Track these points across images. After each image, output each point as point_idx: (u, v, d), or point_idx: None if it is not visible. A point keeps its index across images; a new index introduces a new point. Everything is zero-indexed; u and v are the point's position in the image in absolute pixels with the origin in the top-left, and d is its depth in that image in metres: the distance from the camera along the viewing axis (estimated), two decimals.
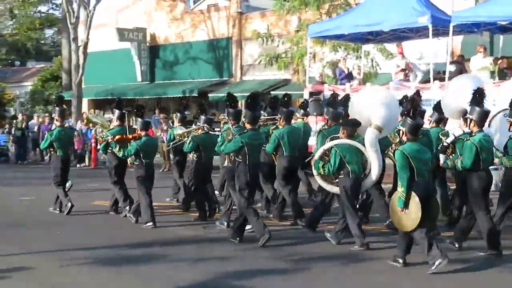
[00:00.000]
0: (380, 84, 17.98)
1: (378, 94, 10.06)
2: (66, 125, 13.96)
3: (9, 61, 66.97)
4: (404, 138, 8.44)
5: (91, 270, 8.58)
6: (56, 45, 61.91)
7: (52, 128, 14.10)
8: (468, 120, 9.10)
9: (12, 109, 45.84)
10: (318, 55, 23.35)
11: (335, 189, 9.73)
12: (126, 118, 12.46)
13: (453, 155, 9.54)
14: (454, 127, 10.25)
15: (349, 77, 19.59)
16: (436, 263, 7.97)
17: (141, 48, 33.16)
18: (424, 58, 20.98)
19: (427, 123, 11.39)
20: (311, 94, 17.99)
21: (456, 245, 9.37)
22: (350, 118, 9.82)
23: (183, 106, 14.75)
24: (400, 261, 8.40)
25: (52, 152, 13.33)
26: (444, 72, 17.47)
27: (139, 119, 11.83)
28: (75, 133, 18.77)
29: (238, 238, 9.97)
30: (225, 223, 11.10)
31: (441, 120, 11.36)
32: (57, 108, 13.57)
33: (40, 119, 27.06)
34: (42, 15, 44.90)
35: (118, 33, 31.96)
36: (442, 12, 17.16)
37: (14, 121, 26.81)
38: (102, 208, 13.20)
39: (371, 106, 9.41)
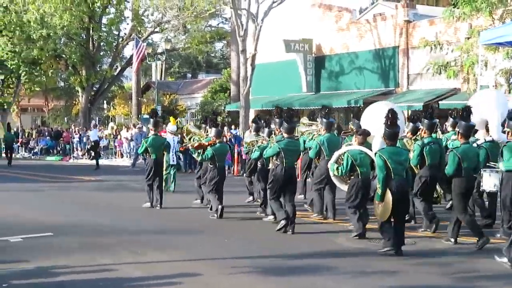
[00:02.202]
0: None
1: (385, 108, 10.91)
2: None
3: (182, 74, 70.35)
4: (384, 144, 10.05)
5: (258, 279, 8.70)
6: (225, 58, 64.22)
7: (148, 136, 16.28)
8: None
9: (184, 120, 48.06)
10: (490, 62, 22.29)
11: (345, 187, 11.43)
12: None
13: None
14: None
15: None
16: (385, 249, 9.77)
17: (307, 59, 33.47)
18: None
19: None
20: None
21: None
22: (362, 128, 11.59)
23: (258, 117, 15.92)
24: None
25: (147, 156, 15.46)
26: None
27: (213, 128, 13.90)
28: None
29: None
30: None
31: None
32: (151, 120, 15.95)
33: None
34: (213, 29, 46.66)
35: (285, 44, 32.47)
36: None
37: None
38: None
39: (380, 119, 10.23)
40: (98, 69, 45.20)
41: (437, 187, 12.23)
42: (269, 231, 12.10)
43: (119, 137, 36.37)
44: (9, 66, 43.52)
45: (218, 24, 48.24)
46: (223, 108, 41.34)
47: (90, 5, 40.36)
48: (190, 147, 14.97)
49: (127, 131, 35.11)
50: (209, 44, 51.67)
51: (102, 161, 32.08)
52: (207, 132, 15.02)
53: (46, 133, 42.83)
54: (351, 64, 32.56)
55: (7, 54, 41.53)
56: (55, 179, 23.98)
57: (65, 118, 56.18)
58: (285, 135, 12.03)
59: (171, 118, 23.41)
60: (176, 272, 8.83)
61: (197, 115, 47.23)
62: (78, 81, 43.23)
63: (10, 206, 16.10)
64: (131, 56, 40.44)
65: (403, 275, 8.80)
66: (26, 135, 45.58)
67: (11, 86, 51.66)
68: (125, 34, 44.69)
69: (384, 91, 30.74)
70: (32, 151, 41.61)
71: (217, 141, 13.74)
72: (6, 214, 14.41)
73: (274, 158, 12.08)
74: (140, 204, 15.60)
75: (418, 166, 11.51)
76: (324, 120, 13.30)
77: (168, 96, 48.96)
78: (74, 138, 38.22)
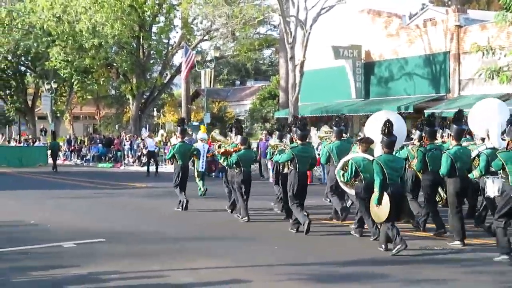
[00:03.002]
0: None
1: (387, 117, 11.50)
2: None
3: (230, 81, 70.73)
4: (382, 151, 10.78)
5: (308, 286, 8.68)
6: (274, 65, 64.28)
7: (175, 143, 17.68)
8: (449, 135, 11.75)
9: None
10: None
11: (352, 192, 12.07)
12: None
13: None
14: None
15: None
16: (398, 247, 10.17)
17: (356, 65, 33.29)
18: None
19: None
20: None
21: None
22: (366, 136, 12.10)
23: (282, 125, 16.54)
24: (383, 246, 10.64)
25: (175, 162, 16.77)
26: None
27: (239, 136, 14.83)
28: None
29: None
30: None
31: None
32: (178, 128, 17.63)
33: (260, 136, 28.06)
34: (261, 36, 46.76)
35: (333, 51, 32.36)
36: None
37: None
38: (323, 227, 13.31)
39: (378, 127, 11.10)
40: (148, 77, 45.82)
41: (440, 191, 12.84)
42: (318, 238, 12.08)
43: (169, 144, 36.63)
44: (62, 75, 44.46)
45: (266, 31, 48.24)
46: (271, 115, 41.39)
47: (141, 14, 40.97)
48: (216, 153, 16.13)
49: (177, 138, 35.34)
50: (258, 51, 51.81)
51: (152, 168, 32.43)
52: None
53: (98, 141, 43.53)
54: (400, 70, 32.26)
55: (60, 63, 42.41)
56: (107, 185, 24.36)
57: (116, 126, 57.09)
58: (299, 142, 12.86)
59: (202, 126, 24.49)
60: (226, 279, 8.87)
61: (246, 122, 47.35)
62: (128, 89, 43.89)
63: (64, 212, 16.43)
64: (181, 64, 40.81)
65: (454, 284, 8.68)
66: (79, 142, 46.44)
67: (64, 94, 52.85)
68: (174, 42, 45.20)
69: (435, 97, 30.36)
70: (84, 158, 42.36)
71: (242, 147, 14.50)
72: (60, 220, 14.70)
73: (288, 163, 12.88)
74: (190, 212, 15.79)
75: (422, 171, 12.31)
76: (335, 128, 13.98)
77: (217, 103, 49.29)
78: (125, 145, 38.74)
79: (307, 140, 13.34)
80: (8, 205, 18.07)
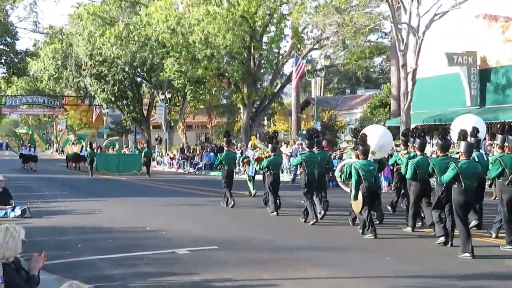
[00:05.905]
0: None
1: (376, 129, 15.95)
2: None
3: (340, 89, 70.38)
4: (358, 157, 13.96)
5: None
6: (385, 73, 63.44)
7: (221, 152, 20.50)
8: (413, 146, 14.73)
9: (342, 135, 47.99)
10: None
11: (348, 189, 14.78)
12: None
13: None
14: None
15: None
16: (368, 235, 13.08)
17: (471, 72, 32.26)
18: None
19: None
20: None
21: None
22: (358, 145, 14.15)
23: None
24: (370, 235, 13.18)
25: (222, 167, 20.26)
26: None
27: (270, 145, 17.66)
28: None
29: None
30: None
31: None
32: (225, 139, 20.94)
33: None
34: (372, 44, 46.23)
35: (447, 57, 31.50)
36: None
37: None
38: (429, 239, 12.99)
39: (371, 137, 14.25)
40: (259, 87, 46.29)
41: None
42: (429, 249, 11.79)
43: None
44: (175, 85, 45.75)
45: (377, 39, 47.59)
46: (383, 123, 40.80)
47: (252, 25, 41.49)
48: (251, 159, 20.13)
49: (287, 147, 35.53)
50: (368, 59, 51.23)
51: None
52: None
53: (210, 149, 44.39)
54: None
55: (174, 74, 43.65)
56: (218, 193, 24.72)
57: None
58: (307, 149, 16.10)
59: (252, 137, 27.73)
60: None
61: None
62: (240, 98, 44.53)
63: (176, 219, 16.84)
64: (291, 73, 41.02)
65: None
66: (191, 151, 47.54)
67: (178, 104, 54.38)
68: (285, 51, 45.45)
69: None
70: (196, 166, 43.31)
71: (272, 154, 17.62)
72: (173, 227, 15.07)
73: (299, 166, 16.20)
74: (298, 221, 15.81)
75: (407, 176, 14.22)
76: (354, 139, 15.92)
77: (327, 112, 49.12)
78: (236, 154, 39.23)
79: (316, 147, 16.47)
80: (123, 212, 18.72)
